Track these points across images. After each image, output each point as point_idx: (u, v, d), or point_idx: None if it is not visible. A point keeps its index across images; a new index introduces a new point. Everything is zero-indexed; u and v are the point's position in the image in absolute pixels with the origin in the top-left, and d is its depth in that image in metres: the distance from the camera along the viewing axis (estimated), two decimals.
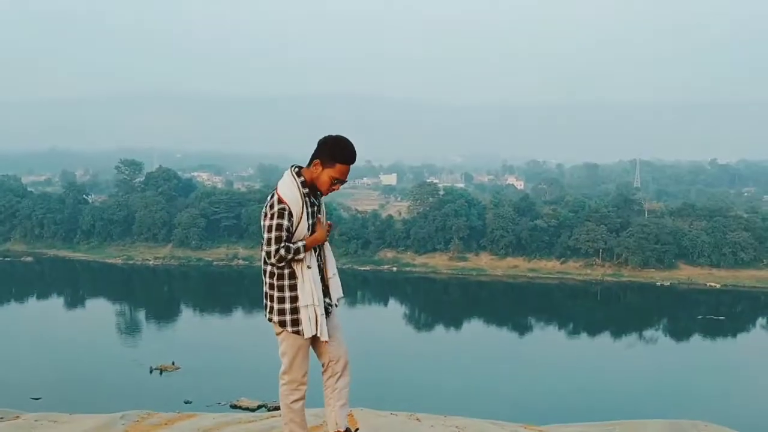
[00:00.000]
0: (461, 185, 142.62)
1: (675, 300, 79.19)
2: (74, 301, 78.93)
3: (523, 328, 68.84)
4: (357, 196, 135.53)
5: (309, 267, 4.60)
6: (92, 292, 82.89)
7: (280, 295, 4.64)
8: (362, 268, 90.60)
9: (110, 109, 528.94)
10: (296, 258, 4.53)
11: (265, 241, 4.53)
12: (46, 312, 71.86)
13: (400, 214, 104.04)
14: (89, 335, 59.54)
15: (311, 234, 4.66)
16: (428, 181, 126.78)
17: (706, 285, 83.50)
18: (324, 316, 4.65)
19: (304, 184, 4.60)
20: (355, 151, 4.64)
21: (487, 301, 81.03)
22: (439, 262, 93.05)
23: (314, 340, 4.75)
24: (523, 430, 6.76)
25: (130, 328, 66.35)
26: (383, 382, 41.38)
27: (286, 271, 4.60)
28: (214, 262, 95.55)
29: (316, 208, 4.73)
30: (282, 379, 4.79)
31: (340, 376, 4.86)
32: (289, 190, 4.57)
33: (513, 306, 78.22)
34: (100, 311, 72.13)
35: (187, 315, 72.95)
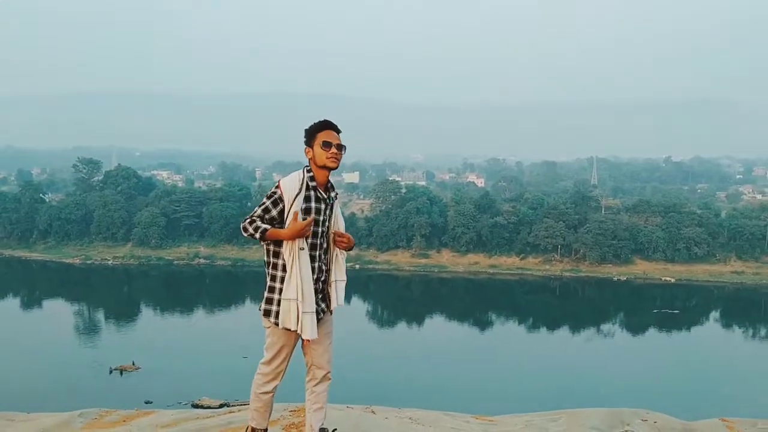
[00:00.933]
0: (423, 183, 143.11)
1: (631, 294, 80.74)
2: (31, 301, 77.31)
3: (483, 324, 69.62)
4: None
5: (301, 248, 4.70)
6: (49, 292, 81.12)
7: (272, 284, 4.78)
8: None
9: (68, 107, 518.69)
10: (255, 236, 4.63)
11: None
12: (1, 313, 70.30)
13: (362, 211, 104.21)
14: (47, 336, 58.41)
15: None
16: (390, 179, 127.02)
17: (661, 279, 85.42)
18: (312, 314, 4.70)
19: (312, 179, 4.79)
20: (328, 120, 4.85)
21: (448, 297, 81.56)
22: (402, 260, 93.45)
23: (302, 339, 4.88)
24: (475, 421, 6.92)
25: (89, 329, 65.21)
26: (342, 378, 41.46)
27: (280, 263, 4.75)
28: (175, 261, 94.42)
29: (322, 204, 4.81)
30: (259, 368, 4.98)
31: (318, 383, 4.99)
32: (290, 179, 4.76)
33: (474, 302, 78.93)
34: (58, 312, 70.76)
35: (147, 315, 71.98)
